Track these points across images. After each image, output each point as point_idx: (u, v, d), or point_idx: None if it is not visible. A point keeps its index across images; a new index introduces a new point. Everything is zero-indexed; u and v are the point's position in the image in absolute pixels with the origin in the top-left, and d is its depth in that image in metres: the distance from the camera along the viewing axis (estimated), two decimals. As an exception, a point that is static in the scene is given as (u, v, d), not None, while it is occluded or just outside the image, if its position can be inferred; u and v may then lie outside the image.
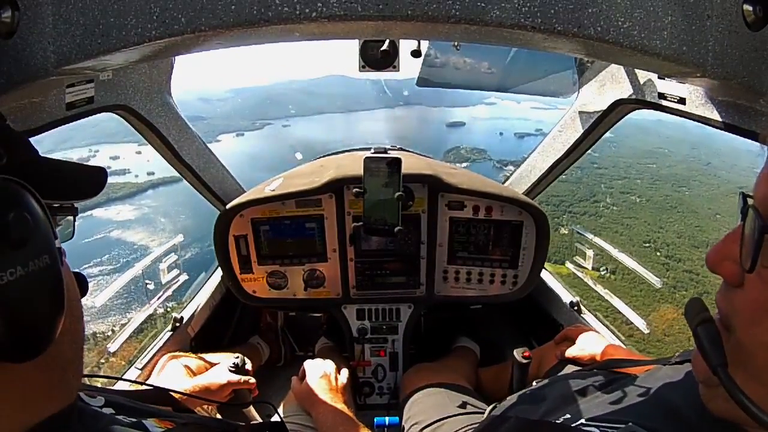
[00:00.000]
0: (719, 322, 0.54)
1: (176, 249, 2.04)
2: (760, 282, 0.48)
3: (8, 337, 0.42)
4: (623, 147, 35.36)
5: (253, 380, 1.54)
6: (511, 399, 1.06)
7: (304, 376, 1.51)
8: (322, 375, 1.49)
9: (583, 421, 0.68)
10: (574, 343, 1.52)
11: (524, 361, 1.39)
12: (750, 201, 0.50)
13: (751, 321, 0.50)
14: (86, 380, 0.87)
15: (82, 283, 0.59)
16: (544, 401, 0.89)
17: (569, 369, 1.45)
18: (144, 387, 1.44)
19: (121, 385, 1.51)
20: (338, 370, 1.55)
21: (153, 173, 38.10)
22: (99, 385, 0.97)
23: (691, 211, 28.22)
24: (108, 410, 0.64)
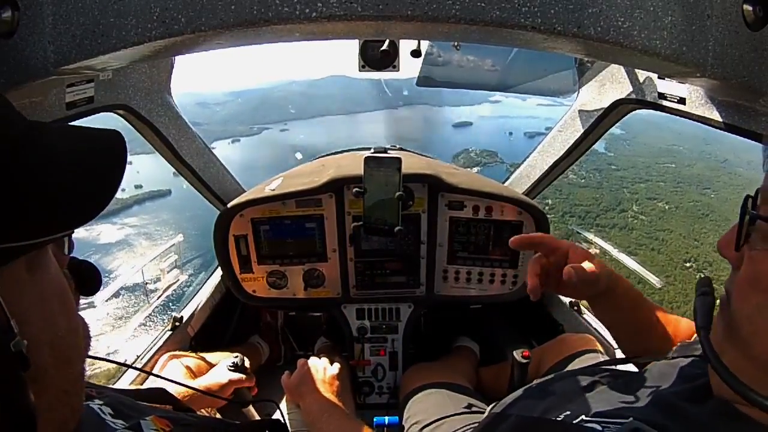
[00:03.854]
0: (723, 299, 0.60)
1: (176, 249, 2.04)
2: (749, 262, 0.56)
3: None
4: (636, 145, 33.76)
5: (253, 378, 1.54)
6: (513, 396, 1.06)
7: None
8: (310, 368, 1.43)
9: (583, 417, 0.68)
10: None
11: (524, 360, 1.39)
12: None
13: (740, 295, 0.56)
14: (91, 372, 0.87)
15: (88, 281, 0.52)
16: (545, 398, 0.89)
17: (572, 366, 1.45)
18: (148, 385, 1.44)
19: (122, 383, 1.52)
20: (330, 363, 1.49)
21: (141, 186, 35.03)
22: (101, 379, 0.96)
23: (724, 218, 26.47)
24: (107, 410, 0.64)
